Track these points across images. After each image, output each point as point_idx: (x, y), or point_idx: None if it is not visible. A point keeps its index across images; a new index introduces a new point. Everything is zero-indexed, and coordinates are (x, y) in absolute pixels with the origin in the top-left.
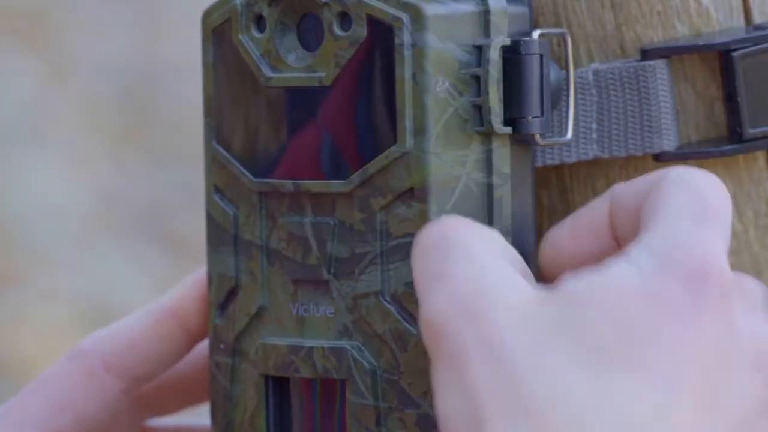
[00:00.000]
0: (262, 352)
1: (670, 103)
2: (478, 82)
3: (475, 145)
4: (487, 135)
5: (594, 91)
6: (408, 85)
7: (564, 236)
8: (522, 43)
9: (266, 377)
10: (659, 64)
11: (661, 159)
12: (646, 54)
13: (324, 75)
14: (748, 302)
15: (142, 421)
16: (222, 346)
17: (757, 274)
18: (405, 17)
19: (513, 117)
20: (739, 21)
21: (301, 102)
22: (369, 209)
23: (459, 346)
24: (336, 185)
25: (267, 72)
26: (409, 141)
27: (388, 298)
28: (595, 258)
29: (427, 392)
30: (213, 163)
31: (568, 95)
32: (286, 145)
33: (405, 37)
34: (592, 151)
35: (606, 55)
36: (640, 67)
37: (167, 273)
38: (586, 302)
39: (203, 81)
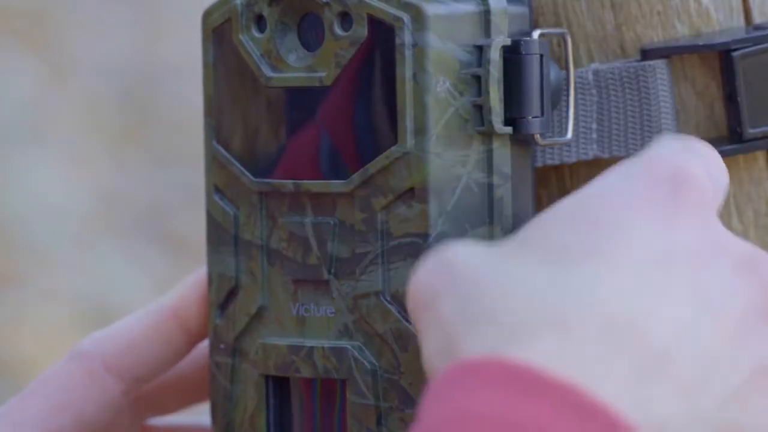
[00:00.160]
0: (263, 352)
1: (670, 103)
2: (478, 82)
3: (475, 145)
4: (488, 135)
5: (594, 91)
6: (409, 85)
7: None
8: (522, 43)
9: (266, 377)
10: (659, 64)
11: None
12: (646, 54)
13: (324, 75)
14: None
15: (142, 421)
16: (222, 346)
17: None
18: (406, 17)
19: (513, 117)
20: (739, 21)
21: (301, 102)
22: (370, 209)
23: (432, 293)
24: (336, 185)
25: (267, 72)
26: (409, 141)
27: (388, 298)
28: None
29: None
30: (213, 162)
31: (568, 95)
32: (286, 145)
33: (406, 37)
34: (592, 151)
35: (606, 55)
36: (640, 67)
37: (167, 273)
38: (554, 212)
39: (203, 81)
